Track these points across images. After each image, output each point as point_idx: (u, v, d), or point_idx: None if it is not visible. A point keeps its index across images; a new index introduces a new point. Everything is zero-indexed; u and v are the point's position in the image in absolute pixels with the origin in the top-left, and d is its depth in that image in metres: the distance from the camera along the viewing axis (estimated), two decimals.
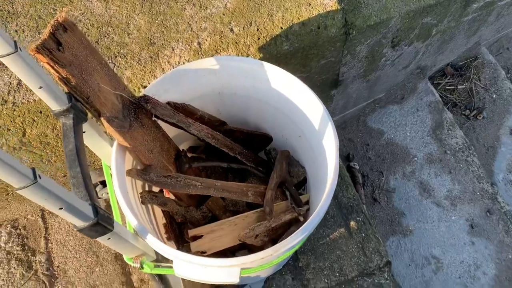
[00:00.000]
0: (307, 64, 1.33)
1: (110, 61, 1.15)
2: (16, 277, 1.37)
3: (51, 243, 1.42)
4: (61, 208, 0.64)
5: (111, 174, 1.04)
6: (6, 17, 1.21)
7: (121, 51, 1.16)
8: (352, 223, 1.41)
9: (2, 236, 1.43)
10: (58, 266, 1.39)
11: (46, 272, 1.38)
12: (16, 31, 1.19)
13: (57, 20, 0.79)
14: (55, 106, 0.81)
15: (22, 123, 1.12)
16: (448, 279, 1.59)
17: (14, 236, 1.43)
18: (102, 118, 0.89)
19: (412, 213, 1.71)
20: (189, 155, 1.32)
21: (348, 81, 1.55)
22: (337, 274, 1.34)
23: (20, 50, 0.68)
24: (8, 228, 1.44)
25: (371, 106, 1.91)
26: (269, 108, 1.21)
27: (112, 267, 1.39)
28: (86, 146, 0.98)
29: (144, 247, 0.95)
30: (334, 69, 1.42)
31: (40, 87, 0.75)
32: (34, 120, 1.13)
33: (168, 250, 0.87)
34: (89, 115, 0.90)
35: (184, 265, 0.88)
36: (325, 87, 1.50)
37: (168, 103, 1.09)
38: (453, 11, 1.67)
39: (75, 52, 0.83)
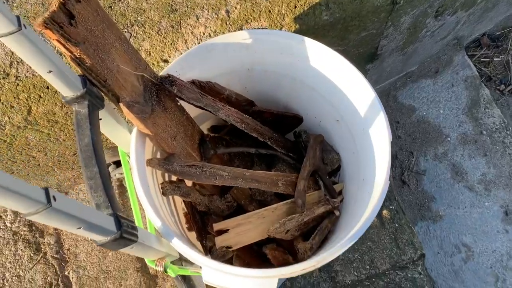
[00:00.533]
0: (346, 37, 1.18)
1: (125, 30, 1.01)
2: (23, 260, 1.28)
3: None
4: (80, 228, 0.53)
5: (128, 162, 0.93)
6: None
7: (138, 18, 1.01)
8: (385, 211, 1.31)
9: (7, 215, 1.33)
10: (68, 249, 1.30)
11: (56, 255, 1.29)
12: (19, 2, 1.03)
13: None
14: (67, 92, 0.68)
15: (27, 100, 0.99)
16: (479, 269, 1.50)
17: (21, 216, 1.33)
18: (121, 104, 0.76)
19: (442, 198, 1.60)
20: (211, 135, 1.20)
21: (386, 54, 1.40)
22: (368, 267, 1.25)
23: (25, 27, 0.55)
24: None
25: (403, 80, 1.76)
26: (304, 87, 1.07)
27: (126, 253, 1.29)
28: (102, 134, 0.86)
29: (167, 248, 0.84)
30: (374, 42, 1.27)
31: (50, 71, 0.62)
32: (40, 97, 1.00)
33: (198, 258, 0.76)
34: (106, 100, 0.77)
35: (215, 273, 0.78)
36: (361, 61, 1.35)
37: (193, 81, 0.96)
38: None
39: (90, 27, 0.69)
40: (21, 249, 1.29)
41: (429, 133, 1.69)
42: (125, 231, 0.62)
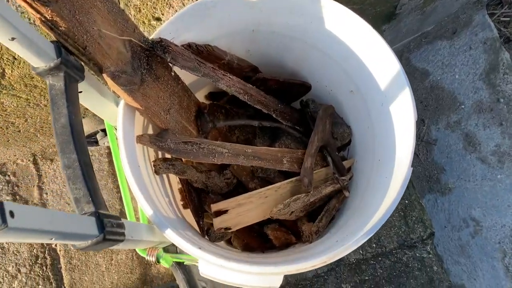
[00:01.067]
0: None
1: None
2: None
3: (46, 193, 1.23)
4: (52, 239, 0.43)
5: (116, 136, 0.82)
6: None
7: None
8: None
9: None
10: None
11: None
12: None
13: None
14: (37, 63, 0.56)
15: None
16: (487, 244, 1.45)
17: (3, 184, 1.24)
18: (104, 75, 0.64)
19: (453, 169, 1.51)
20: (210, 103, 1.09)
21: (404, 14, 1.26)
22: (374, 245, 1.18)
23: None
24: None
25: (417, 41, 1.62)
26: (315, 52, 0.95)
27: None
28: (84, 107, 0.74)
29: (160, 237, 0.75)
30: (393, 1, 1.13)
31: (12, 39, 0.50)
32: (15, 58, 0.88)
33: (195, 251, 0.68)
34: (87, 70, 0.65)
35: (213, 267, 0.69)
36: (377, 21, 1.22)
37: (189, 45, 0.83)
38: None
39: None
40: None
41: (443, 100, 1.58)
42: (109, 233, 0.52)
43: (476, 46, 1.62)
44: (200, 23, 0.83)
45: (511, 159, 1.52)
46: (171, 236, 0.69)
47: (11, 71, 0.88)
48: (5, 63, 0.87)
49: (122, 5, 0.87)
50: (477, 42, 1.62)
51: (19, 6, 0.87)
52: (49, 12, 0.54)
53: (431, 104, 1.58)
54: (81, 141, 0.58)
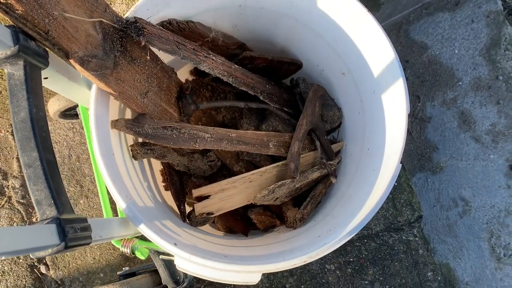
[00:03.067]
0: None
1: None
2: None
3: None
4: (3, 258, 0.40)
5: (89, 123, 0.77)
6: None
7: None
8: None
9: None
10: None
11: (22, 200, 1.18)
12: None
13: None
14: None
15: None
16: (474, 224, 1.44)
17: None
18: (71, 60, 0.59)
19: (446, 148, 1.48)
20: (193, 79, 1.03)
21: None
22: None
23: None
24: None
25: (418, 12, 1.54)
26: (307, 31, 0.89)
27: (99, 200, 1.19)
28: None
29: (135, 229, 0.72)
30: None
31: None
32: None
33: (170, 248, 0.65)
34: (51, 54, 0.60)
35: (188, 263, 0.67)
36: None
37: (170, 22, 0.77)
38: None
39: None
40: None
41: (440, 76, 1.53)
42: (71, 239, 0.49)
43: (478, 19, 1.54)
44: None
45: (505, 139, 1.48)
46: (145, 231, 0.66)
47: None
48: None
49: None
50: (480, 15, 1.55)
51: None
52: None
53: (427, 80, 1.52)
54: (43, 137, 0.53)
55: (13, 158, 1.20)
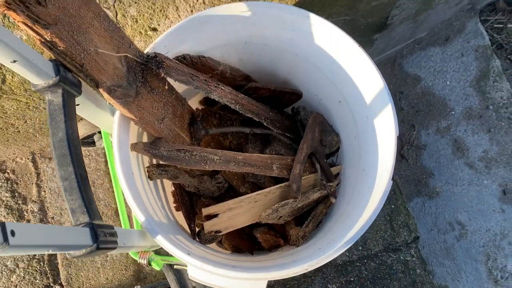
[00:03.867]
0: (355, 6, 1.07)
1: None
2: None
3: (44, 191, 1.27)
4: (49, 251, 0.47)
5: (112, 142, 0.86)
6: None
7: None
8: None
9: None
10: (52, 218, 1.26)
11: (40, 223, 1.25)
12: None
13: None
14: (37, 80, 0.60)
15: (0, 69, 0.90)
16: (471, 247, 1.49)
17: (2, 181, 1.28)
18: (101, 89, 0.68)
19: (441, 174, 1.56)
20: (203, 108, 1.12)
21: (396, 24, 1.29)
22: (360, 248, 1.22)
23: None
24: None
25: (410, 47, 1.65)
26: (306, 64, 0.98)
27: (112, 223, 1.25)
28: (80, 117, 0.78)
29: (152, 241, 0.79)
30: (385, 12, 1.16)
31: (14, 61, 0.54)
32: None
33: (184, 257, 0.72)
34: (83, 83, 0.69)
35: (201, 272, 0.74)
36: (369, 31, 1.25)
37: (184, 57, 0.87)
38: None
39: (63, 4, 0.59)
40: (3, 215, 1.25)
41: (433, 106, 1.62)
42: (102, 242, 0.56)
43: (468, 53, 1.65)
44: (195, 36, 0.86)
45: (497, 165, 1.56)
46: (162, 241, 0.73)
47: (12, 77, 0.91)
48: (6, 70, 0.90)
49: (119, 16, 0.90)
50: (469, 49, 1.66)
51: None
52: (48, 34, 0.57)
53: (422, 110, 1.62)
54: (77, 155, 0.62)
55: (32, 184, 1.28)
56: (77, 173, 0.60)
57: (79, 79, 0.66)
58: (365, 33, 1.25)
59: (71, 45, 0.61)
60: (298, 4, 0.97)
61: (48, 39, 0.58)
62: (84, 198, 0.59)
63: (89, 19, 0.64)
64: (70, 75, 0.64)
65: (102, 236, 0.57)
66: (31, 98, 0.99)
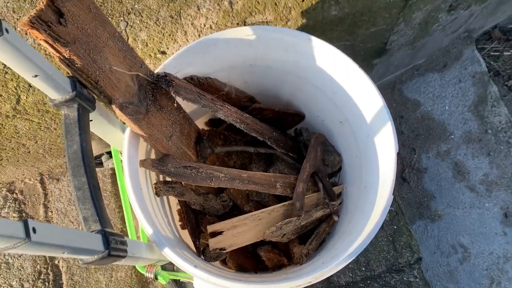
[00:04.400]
0: (354, 32, 1.12)
1: (121, 18, 0.95)
2: None
3: (51, 211, 1.29)
4: (64, 253, 0.50)
5: (121, 160, 0.89)
6: None
7: (136, 6, 0.95)
8: None
9: None
10: None
11: None
12: None
13: None
14: (54, 95, 0.64)
15: (16, 89, 0.94)
16: (475, 270, 1.49)
17: (10, 201, 1.30)
18: (113, 105, 0.71)
19: (442, 197, 1.57)
20: (209, 129, 1.16)
21: (395, 49, 1.34)
22: (363, 269, 1.23)
23: (7, 32, 0.49)
24: (3, 192, 1.31)
25: (409, 73, 1.70)
26: (308, 85, 1.02)
27: None
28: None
29: (159, 255, 0.81)
30: (383, 37, 1.21)
31: (35, 76, 0.57)
32: (30, 86, 0.95)
33: (190, 269, 0.73)
34: (97, 100, 0.72)
35: (206, 284, 0.75)
36: (368, 56, 1.30)
37: (191, 78, 0.91)
38: None
39: (82, 25, 0.63)
40: None
41: (433, 130, 1.65)
42: (113, 249, 0.59)
43: (465, 79, 1.70)
44: (202, 58, 0.91)
45: (498, 188, 1.57)
46: (169, 254, 0.75)
47: (26, 97, 0.95)
48: (21, 90, 0.94)
49: (130, 40, 0.94)
50: (467, 76, 1.70)
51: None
52: (67, 52, 0.61)
53: (422, 134, 1.65)
54: (90, 166, 0.65)
55: (39, 204, 1.31)
56: (90, 183, 0.63)
57: (94, 95, 0.70)
58: (365, 58, 1.29)
59: (88, 63, 0.65)
60: (300, 29, 1.02)
61: (66, 57, 0.62)
62: (96, 207, 0.61)
63: (104, 39, 0.68)
64: (85, 91, 0.67)
65: (113, 243, 0.59)
66: (43, 118, 1.03)
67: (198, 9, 0.96)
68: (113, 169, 1.32)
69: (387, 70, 1.52)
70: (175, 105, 0.85)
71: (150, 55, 0.97)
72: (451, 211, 1.56)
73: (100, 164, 1.28)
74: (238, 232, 1.00)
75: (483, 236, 1.53)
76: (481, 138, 1.63)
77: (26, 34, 0.94)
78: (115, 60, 0.70)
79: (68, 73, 0.66)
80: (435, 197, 1.58)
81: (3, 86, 0.93)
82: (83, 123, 0.66)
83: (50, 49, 0.60)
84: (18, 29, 0.92)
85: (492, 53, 1.98)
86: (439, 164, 1.61)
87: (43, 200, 1.31)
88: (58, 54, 0.61)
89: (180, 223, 1.07)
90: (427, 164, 1.62)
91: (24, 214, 1.29)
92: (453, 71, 1.71)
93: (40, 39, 0.59)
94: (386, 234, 1.26)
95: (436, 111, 1.67)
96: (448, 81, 1.70)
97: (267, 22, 0.99)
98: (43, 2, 0.57)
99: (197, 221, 1.05)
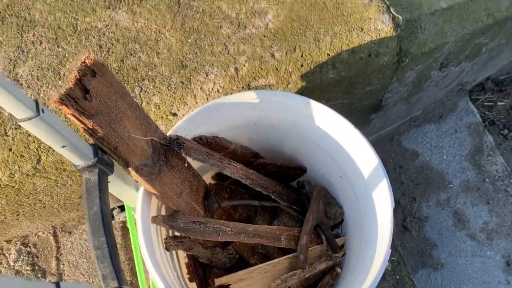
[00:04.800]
0: (351, 92, 1.20)
1: (136, 84, 1.03)
2: None
3: (63, 264, 1.33)
4: (64, 146, 0.62)
5: (133, 215, 0.94)
6: (23, 25, 1.08)
7: (149, 73, 1.04)
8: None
9: (11, 253, 1.34)
10: None
11: None
12: (32, 42, 1.07)
13: (84, 63, 0.67)
14: (78, 162, 0.70)
15: (37, 150, 1.01)
16: None
17: (24, 255, 1.34)
18: (130, 168, 0.78)
19: (444, 245, 1.60)
20: (215, 183, 1.22)
21: (390, 105, 1.42)
22: None
23: (43, 112, 0.57)
24: (17, 245, 1.35)
25: (407, 124, 1.78)
26: (308, 143, 1.09)
27: None
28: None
29: None
30: (378, 95, 1.29)
31: (63, 146, 0.64)
32: (50, 147, 1.02)
33: None
34: (115, 163, 0.79)
35: None
36: (365, 112, 1.37)
37: (200, 138, 0.98)
38: (507, 29, 1.52)
39: (104, 98, 0.71)
40: None
41: (432, 179, 1.70)
42: None
43: (461, 130, 1.77)
44: (210, 120, 0.98)
45: (499, 236, 1.60)
46: None
47: (46, 157, 1.02)
48: (41, 151, 1.01)
49: (144, 104, 1.03)
50: (462, 126, 1.78)
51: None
52: (91, 123, 0.69)
53: (421, 183, 1.70)
54: (109, 225, 0.70)
55: (52, 257, 1.35)
56: (108, 243, 0.68)
57: (113, 159, 0.77)
58: (362, 114, 1.37)
59: (109, 132, 0.72)
60: (299, 91, 1.10)
61: (90, 127, 0.69)
62: (114, 265, 0.66)
63: (124, 109, 0.75)
64: (105, 157, 0.74)
65: None
66: (60, 176, 1.09)
67: (207, 75, 1.05)
68: (123, 222, 1.37)
69: (384, 123, 1.60)
70: (186, 164, 0.91)
71: (162, 117, 1.04)
72: (453, 259, 1.59)
73: (111, 217, 1.34)
74: (245, 285, 1.03)
75: (486, 285, 1.55)
76: (479, 186, 1.68)
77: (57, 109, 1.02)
78: (132, 128, 0.77)
79: (90, 141, 0.73)
80: (437, 246, 1.61)
81: (25, 147, 1.00)
82: (102, 186, 0.73)
83: (76, 121, 0.68)
84: (50, 106, 1.00)
85: (486, 103, 2.06)
86: (439, 212, 1.65)
87: (56, 253, 1.35)
88: (82, 125, 0.69)
89: (188, 276, 1.10)
90: (428, 213, 1.66)
91: (36, 267, 1.33)
92: (449, 122, 1.78)
93: (68, 113, 0.66)
94: (389, 285, 1.28)
95: (434, 160, 1.73)
96: (444, 131, 1.77)
97: (269, 85, 1.07)
98: (72, 82, 0.65)
99: (204, 274, 1.09)
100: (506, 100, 2.07)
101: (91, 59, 0.67)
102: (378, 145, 1.74)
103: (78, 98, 0.66)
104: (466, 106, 1.81)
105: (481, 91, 2.09)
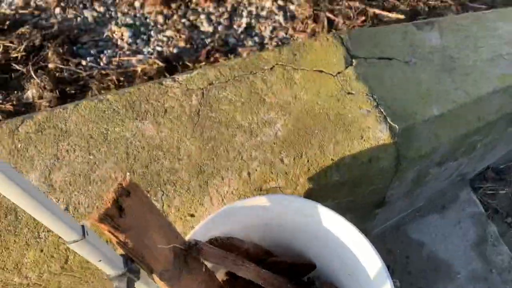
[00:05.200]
0: (355, 191, 1.30)
1: (159, 188, 1.14)
2: None
3: None
4: (100, 260, 0.68)
5: None
6: (59, 135, 1.22)
7: (171, 178, 1.15)
8: None
9: None
10: None
11: None
12: (67, 150, 1.19)
13: (120, 185, 0.78)
14: (110, 271, 0.78)
15: (66, 251, 1.09)
16: None
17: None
18: (154, 274, 0.85)
19: None
20: (227, 277, 1.28)
21: (393, 201, 1.50)
22: None
23: (87, 234, 0.66)
24: None
25: (411, 215, 1.84)
26: (316, 242, 1.16)
27: None
28: None
29: None
30: (381, 193, 1.38)
31: (100, 260, 0.73)
32: None
33: None
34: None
35: None
36: (370, 207, 1.46)
37: (216, 239, 1.06)
38: (498, 127, 1.64)
39: (136, 214, 0.81)
40: None
41: (439, 269, 1.74)
42: None
43: (464, 220, 1.83)
44: (224, 223, 1.07)
45: None
46: None
47: (74, 257, 1.10)
48: (70, 252, 1.10)
49: (165, 206, 1.12)
50: (465, 216, 1.84)
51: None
52: (123, 237, 0.78)
53: (429, 273, 1.73)
54: None
55: None
56: None
57: (139, 267, 0.85)
58: (366, 209, 1.45)
59: (138, 243, 0.81)
60: (307, 193, 1.20)
61: (122, 240, 0.78)
62: None
63: (151, 221, 0.85)
64: (133, 265, 0.82)
65: None
66: (84, 273, 1.16)
67: (222, 179, 1.16)
68: None
69: (389, 215, 1.67)
70: (203, 268, 0.99)
71: (180, 218, 1.14)
72: None
73: None
74: None
75: None
76: (486, 277, 1.71)
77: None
78: (158, 237, 0.87)
79: (120, 251, 0.82)
80: None
81: (55, 248, 1.09)
82: None
83: (111, 236, 0.77)
84: (87, 223, 1.10)
85: (488, 192, 2.14)
86: None
87: None
88: (116, 239, 0.78)
89: None
90: None
91: None
92: (451, 213, 1.85)
93: (104, 229, 0.76)
94: None
95: (440, 250, 1.77)
96: (448, 221, 1.83)
97: (279, 187, 1.17)
98: (109, 202, 0.75)
99: None
100: (508, 188, 2.15)
101: (127, 181, 0.78)
102: (384, 236, 1.80)
103: (114, 216, 0.76)
104: (467, 197, 1.88)
105: (482, 180, 2.18)
